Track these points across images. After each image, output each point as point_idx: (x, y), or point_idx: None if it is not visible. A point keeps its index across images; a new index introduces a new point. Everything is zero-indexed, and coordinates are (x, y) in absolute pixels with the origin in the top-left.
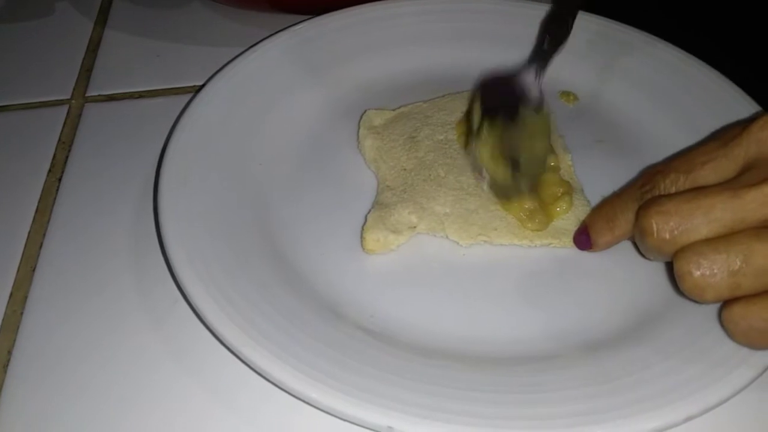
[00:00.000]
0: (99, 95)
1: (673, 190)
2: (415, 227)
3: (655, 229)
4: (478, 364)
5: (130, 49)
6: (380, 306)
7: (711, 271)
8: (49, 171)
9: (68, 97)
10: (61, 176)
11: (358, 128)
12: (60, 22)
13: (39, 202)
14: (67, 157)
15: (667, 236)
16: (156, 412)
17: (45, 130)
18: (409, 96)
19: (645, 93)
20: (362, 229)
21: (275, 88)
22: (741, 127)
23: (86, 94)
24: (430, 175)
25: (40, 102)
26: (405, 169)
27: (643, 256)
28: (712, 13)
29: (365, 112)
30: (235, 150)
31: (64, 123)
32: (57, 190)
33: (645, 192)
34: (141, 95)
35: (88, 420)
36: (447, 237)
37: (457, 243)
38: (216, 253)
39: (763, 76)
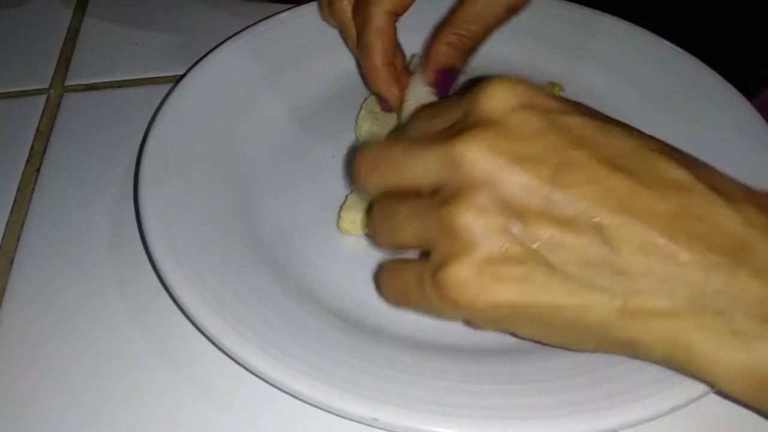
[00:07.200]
0: (78, 84)
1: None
2: None
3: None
4: (463, 355)
5: (109, 37)
6: (365, 296)
7: None
8: (27, 162)
9: (47, 86)
10: (40, 167)
11: (359, 109)
12: (37, 10)
13: (17, 193)
14: (45, 147)
15: None
16: (136, 405)
17: (23, 120)
18: None
19: (627, 81)
20: (340, 208)
21: (257, 77)
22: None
23: (65, 84)
24: None
25: (17, 91)
26: None
27: None
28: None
29: (370, 95)
30: (217, 139)
31: (43, 113)
32: (35, 181)
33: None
34: (121, 84)
35: (69, 413)
36: None
37: None
38: (198, 244)
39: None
